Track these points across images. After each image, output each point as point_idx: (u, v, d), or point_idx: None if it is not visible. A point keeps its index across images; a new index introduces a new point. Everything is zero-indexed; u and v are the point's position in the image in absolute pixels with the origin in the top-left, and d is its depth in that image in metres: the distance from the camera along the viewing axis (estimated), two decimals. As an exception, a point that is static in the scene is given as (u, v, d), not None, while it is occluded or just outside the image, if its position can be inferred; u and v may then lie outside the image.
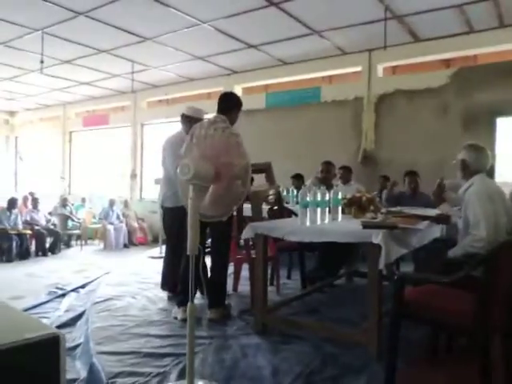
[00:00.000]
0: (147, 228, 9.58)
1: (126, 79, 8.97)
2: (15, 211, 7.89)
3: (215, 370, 2.58)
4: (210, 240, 3.64)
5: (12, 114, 13.35)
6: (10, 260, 7.26)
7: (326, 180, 5.06)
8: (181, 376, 2.49)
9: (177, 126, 4.16)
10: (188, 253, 2.15)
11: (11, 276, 6.24)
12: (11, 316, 1.17)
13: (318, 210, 3.12)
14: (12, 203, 7.90)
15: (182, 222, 3.30)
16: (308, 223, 3.04)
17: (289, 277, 4.97)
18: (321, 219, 3.14)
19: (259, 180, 4.54)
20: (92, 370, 2.58)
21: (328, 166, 5.26)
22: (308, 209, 3.07)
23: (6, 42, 6.96)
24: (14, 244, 7.38)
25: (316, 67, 7.68)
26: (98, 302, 4.05)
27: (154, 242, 8.71)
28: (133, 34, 6.54)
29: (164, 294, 4.18)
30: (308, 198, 3.08)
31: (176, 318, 3.49)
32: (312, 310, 3.78)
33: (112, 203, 9.29)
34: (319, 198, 3.13)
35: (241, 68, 8.34)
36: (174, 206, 3.73)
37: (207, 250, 3.65)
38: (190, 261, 2.15)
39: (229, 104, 3.31)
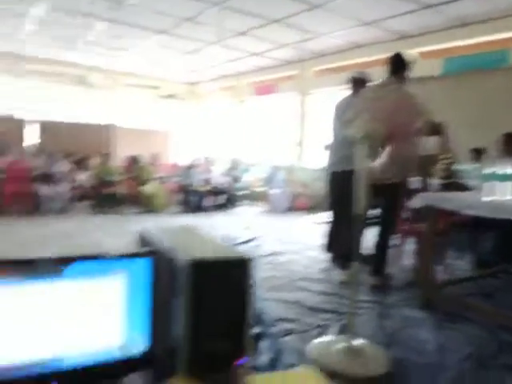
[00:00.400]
0: (309, 194, 9.83)
1: (293, 49, 9.14)
2: (196, 170, 8.91)
3: (376, 333, 2.57)
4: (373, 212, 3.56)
5: (195, 84, 14.89)
6: (189, 211, 8.31)
7: (508, 153, 4.46)
8: (341, 332, 2.55)
9: (344, 94, 4.12)
10: (355, 212, 2.16)
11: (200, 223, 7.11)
12: (207, 239, 1.36)
13: (502, 184, 2.79)
14: (191, 163, 8.94)
15: (350, 186, 3.30)
16: (489, 198, 2.74)
17: (458, 257, 4.58)
18: (503, 194, 2.80)
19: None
20: (260, 311, 2.83)
21: (511, 137, 4.61)
22: (490, 182, 2.76)
23: (191, 18, 7.72)
24: (194, 198, 8.41)
25: (502, 27, 6.65)
26: (263, 256, 4.36)
27: (315, 208, 8.91)
28: (303, 1, 6.58)
29: (326, 256, 4.28)
30: (490, 171, 2.77)
31: (338, 280, 3.57)
32: (485, 294, 3.44)
33: (276, 169, 9.76)
34: (503, 171, 2.79)
35: (412, 32, 7.72)
36: (343, 171, 3.73)
37: (372, 220, 3.59)
38: (353, 224, 2.15)
39: (399, 65, 3.18)
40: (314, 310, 2.92)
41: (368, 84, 3.76)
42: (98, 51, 10.73)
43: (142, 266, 1.06)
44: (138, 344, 1.05)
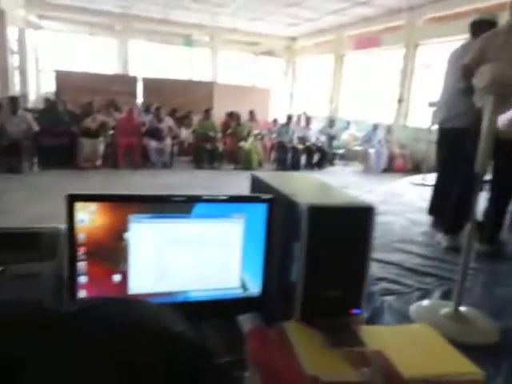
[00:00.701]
0: (408, 155, 9.34)
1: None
2: (291, 127, 8.88)
3: (483, 302, 2.42)
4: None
5: (293, 39, 14.56)
6: (284, 169, 8.37)
7: None
8: (444, 297, 2.44)
9: (457, 45, 3.70)
10: (475, 172, 1.99)
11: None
12: (324, 187, 1.35)
13: None
14: (289, 119, 8.90)
15: (462, 144, 3.04)
16: None
17: None
18: None
19: None
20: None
21: None
22: None
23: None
24: (290, 156, 8.43)
25: None
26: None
27: (414, 170, 8.45)
28: None
29: (427, 219, 4.08)
30: None
31: (440, 244, 3.38)
32: None
33: (375, 128, 9.35)
34: None
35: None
36: (456, 127, 3.45)
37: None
38: (469, 185, 1.98)
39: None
40: (414, 272, 2.82)
41: (495, 26, 3.34)
42: (200, 8, 10.91)
43: (261, 211, 1.09)
44: (254, 285, 1.10)
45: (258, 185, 1.32)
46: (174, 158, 8.00)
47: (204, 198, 1.05)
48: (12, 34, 10.56)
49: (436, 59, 10.31)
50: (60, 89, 10.39)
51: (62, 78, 10.71)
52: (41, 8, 11.80)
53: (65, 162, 7.07)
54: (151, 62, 13.87)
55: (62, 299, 1.00)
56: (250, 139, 8.43)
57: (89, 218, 0.98)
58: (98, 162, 7.20)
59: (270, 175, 1.41)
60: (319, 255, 0.99)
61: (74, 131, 7.20)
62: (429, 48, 9.73)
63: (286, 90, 15.06)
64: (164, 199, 1.03)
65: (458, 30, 8.49)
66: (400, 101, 10.15)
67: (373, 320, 2.14)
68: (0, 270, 1.01)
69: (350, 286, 1.04)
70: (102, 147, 7.22)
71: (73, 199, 0.97)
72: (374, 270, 2.78)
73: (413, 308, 2.26)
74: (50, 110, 7.39)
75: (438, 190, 3.82)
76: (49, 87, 11.81)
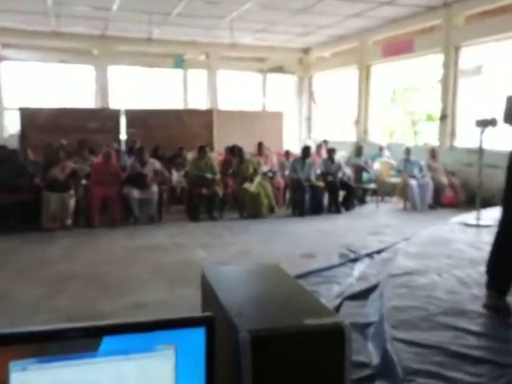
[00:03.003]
0: (459, 185, 9.16)
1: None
2: (309, 161, 8.84)
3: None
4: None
5: (306, 51, 14.83)
6: (302, 213, 8.28)
7: None
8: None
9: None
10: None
11: (303, 231, 7.15)
12: (293, 289, 1.24)
13: None
14: (306, 152, 8.88)
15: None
16: None
17: None
18: None
19: None
20: (385, 358, 2.65)
21: None
22: None
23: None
24: (307, 197, 8.35)
25: None
26: (395, 275, 4.13)
27: (468, 203, 8.25)
28: None
29: (482, 277, 3.87)
30: None
31: (486, 306, 3.24)
32: None
33: (408, 152, 9.27)
34: None
35: None
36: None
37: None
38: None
39: None
40: (464, 358, 2.65)
41: None
42: (190, 23, 11.23)
43: (197, 337, 1.00)
44: None
45: (206, 289, 1.23)
46: (162, 209, 8.00)
47: (113, 326, 0.96)
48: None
49: (485, 63, 10.32)
50: (25, 130, 10.69)
51: (28, 117, 11.03)
52: (3, 35, 12.30)
53: (27, 222, 7.12)
54: (136, 91, 14.26)
55: None
56: (257, 179, 8.41)
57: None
58: (68, 221, 7.22)
59: (226, 271, 1.33)
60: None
61: (38, 184, 7.30)
62: (474, 50, 9.73)
63: (301, 112, 15.21)
64: (55, 336, 0.94)
65: (507, 25, 8.51)
66: (443, 117, 10.08)
67: None
68: None
69: None
70: (72, 202, 7.25)
71: None
72: (407, 358, 2.62)
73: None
74: (7, 160, 7.53)
75: (503, 235, 3.47)
76: (14, 128, 12.18)
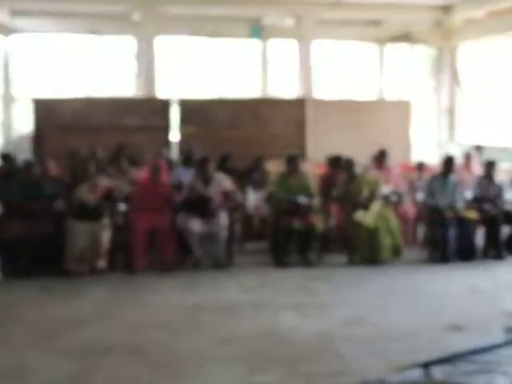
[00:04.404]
0: None
1: None
2: (453, 179, 8.60)
3: None
4: None
5: (446, 10, 14.52)
6: (444, 259, 8.03)
7: None
8: None
9: None
10: None
11: (446, 287, 6.95)
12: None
13: None
14: (449, 165, 8.64)
15: None
16: None
17: None
18: None
19: None
20: None
21: None
22: None
23: None
24: (452, 234, 8.10)
25: None
26: None
27: None
28: None
29: None
30: None
31: None
32: None
33: None
34: None
35: None
36: None
37: None
38: None
39: None
40: None
41: None
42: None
43: None
44: None
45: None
46: (233, 248, 8.03)
47: None
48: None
49: None
50: (41, 130, 11.07)
51: (45, 112, 11.43)
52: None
53: (44, 263, 7.35)
54: (193, 72, 14.50)
55: None
56: (376, 206, 8.24)
57: None
58: (101, 263, 7.37)
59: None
60: None
61: (60, 209, 7.50)
62: None
63: (439, 102, 14.88)
64: None
65: None
66: None
67: None
68: None
69: None
70: (106, 235, 7.41)
71: None
72: None
73: None
74: (17, 175, 7.81)
75: None
76: (25, 126, 12.69)
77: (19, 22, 13.79)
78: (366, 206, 8.22)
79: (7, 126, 13.93)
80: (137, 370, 4.54)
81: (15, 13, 13.50)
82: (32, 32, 14.17)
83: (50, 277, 7.14)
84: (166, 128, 11.92)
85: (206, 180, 7.98)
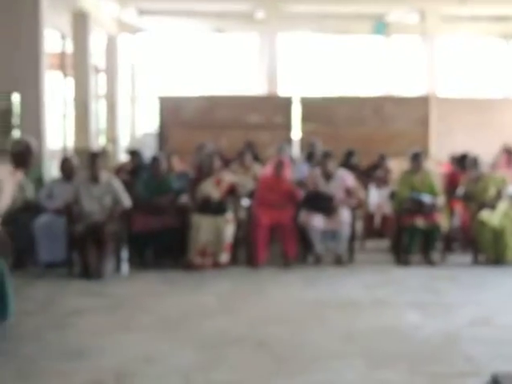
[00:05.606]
0: None
1: None
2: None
3: None
4: None
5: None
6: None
7: None
8: None
9: None
10: None
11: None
12: None
13: None
14: None
15: None
16: None
17: None
18: None
19: None
20: None
21: None
22: None
23: None
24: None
25: None
26: None
27: None
28: None
29: None
30: None
31: None
32: None
33: None
34: None
35: None
36: None
37: None
38: None
39: None
40: None
41: None
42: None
43: None
44: None
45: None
46: (355, 245, 8.04)
47: None
48: (98, 42, 12.08)
49: None
50: (166, 127, 11.42)
51: (170, 110, 11.78)
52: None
53: (167, 255, 7.65)
54: (315, 70, 14.55)
55: None
56: (503, 205, 8.00)
57: None
58: (224, 257, 7.55)
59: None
60: None
61: (185, 203, 7.72)
62: None
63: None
64: None
65: None
66: None
67: None
68: None
69: None
70: (229, 230, 7.58)
71: None
72: None
73: None
74: (144, 171, 8.08)
75: None
76: (146, 123, 13.16)
77: (145, 21, 14.26)
78: (492, 206, 8.02)
79: (132, 123, 14.44)
80: (260, 362, 4.63)
81: (142, 12, 14.01)
82: (158, 31, 14.57)
83: (174, 270, 7.40)
84: (287, 125, 12.04)
85: (328, 176, 8.01)
